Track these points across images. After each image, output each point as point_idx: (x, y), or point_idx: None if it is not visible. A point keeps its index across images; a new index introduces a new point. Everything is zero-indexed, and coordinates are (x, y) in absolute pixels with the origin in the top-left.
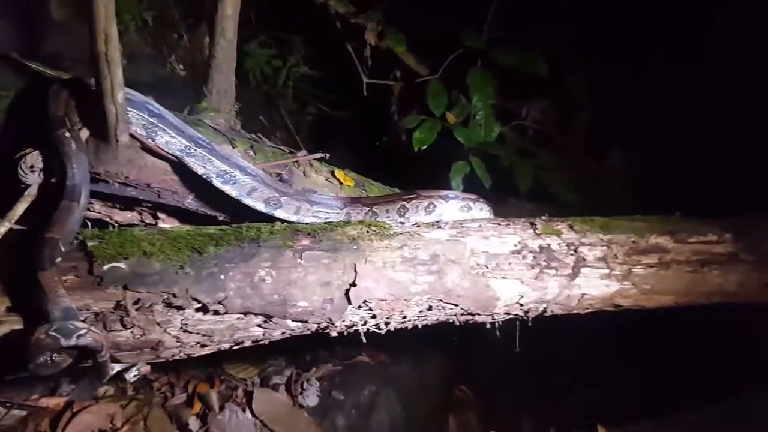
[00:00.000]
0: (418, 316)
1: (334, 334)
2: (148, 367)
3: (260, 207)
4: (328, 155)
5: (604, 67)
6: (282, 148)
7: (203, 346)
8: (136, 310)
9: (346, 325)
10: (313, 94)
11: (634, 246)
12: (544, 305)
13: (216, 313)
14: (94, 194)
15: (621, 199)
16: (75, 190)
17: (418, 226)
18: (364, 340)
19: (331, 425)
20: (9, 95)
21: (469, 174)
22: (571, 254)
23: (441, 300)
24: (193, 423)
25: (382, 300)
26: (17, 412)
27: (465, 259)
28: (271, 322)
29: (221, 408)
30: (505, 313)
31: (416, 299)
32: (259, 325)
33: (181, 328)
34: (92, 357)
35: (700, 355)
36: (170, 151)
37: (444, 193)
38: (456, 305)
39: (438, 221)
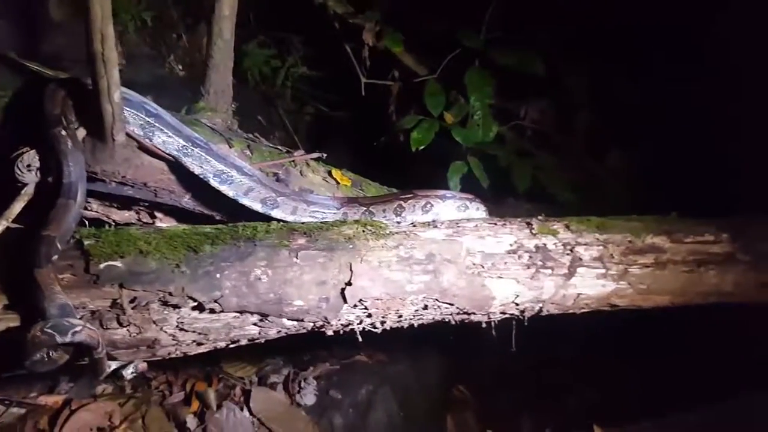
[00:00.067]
0: (414, 316)
1: (330, 332)
2: (145, 365)
3: (257, 207)
4: (325, 155)
5: (604, 67)
6: (279, 147)
7: (199, 344)
8: (133, 308)
9: (341, 324)
10: (312, 94)
11: (630, 246)
12: (540, 305)
13: (212, 311)
14: (91, 193)
15: (620, 199)
16: (71, 188)
17: (414, 226)
18: (360, 339)
19: (329, 424)
20: (6, 94)
21: (467, 174)
22: (567, 254)
23: (437, 299)
24: (191, 421)
25: (377, 299)
26: (16, 410)
27: (461, 259)
28: (266, 321)
29: (219, 406)
30: (501, 313)
31: (412, 298)
32: (255, 324)
33: (177, 326)
34: (88, 354)
35: (699, 354)
36: (167, 151)
37: (441, 192)
38: (452, 304)
39: (434, 221)
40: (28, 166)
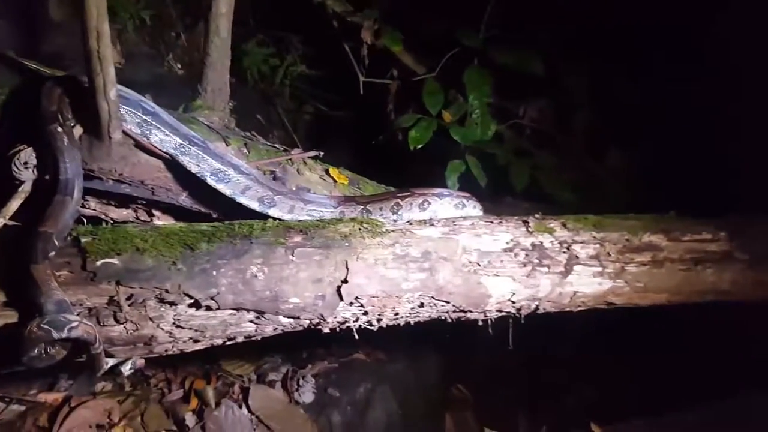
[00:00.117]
0: (410, 313)
1: (326, 330)
2: (143, 361)
3: (254, 206)
4: (322, 153)
5: (604, 66)
6: (276, 145)
7: (196, 341)
8: (129, 305)
9: (338, 322)
10: (311, 93)
11: (627, 244)
12: (536, 303)
13: (208, 308)
14: (89, 191)
15: (620, 199)
16: (68, 185)
17: (411, 224)
18: (357, 337)
19: (327, 422)
20: (3, 92)
21: (465, 173)
22: (564, 252)
23: (433, 297)
24: (190, 419)
25: (373, 297)
26: (16, 407)
27: (457, 257)
28: (263, 318)
29: (217, 404)
30: (497, 311)
31: (408, 296)
32: (251, 321)
33: (173, 323)
34: (85, 350)
35: (697, 353)
36: (164, 149)
37: (438, 190)
38: (448, 302)
39: (430, 219)
40: (25, 163)
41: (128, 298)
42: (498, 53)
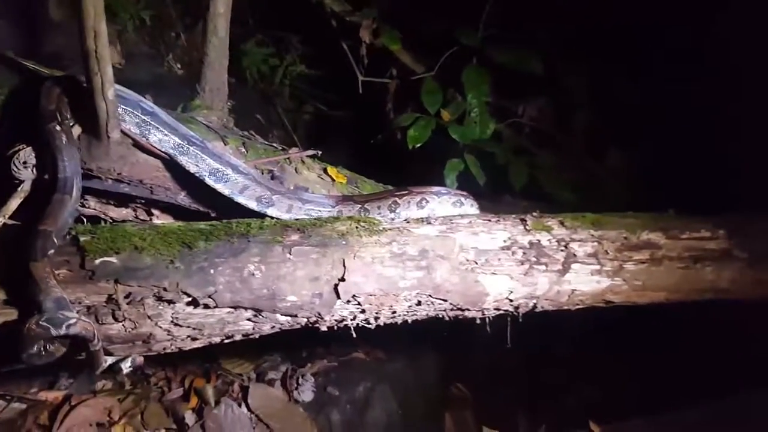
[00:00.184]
0: (408, 311)
1: (323, 328)
2: (142, 359)
3: (252, 205)
4: (320, 152)
5: (603, 66)
6: (274, 145)
7: (194, 339)
8: (128, 303)
9: (335, 320)
10: (310, 93)
11: (625, 242)
12: (534, 301)
13: (206, 306)
14: (88, 191)
15: (619, 198)
16: (67, 183)
17: (408, 222)
18: (354, 335)
19: (326, 421)
20: (3, 92)
21: (464, 171)
22: (562, 250)
23: (430, 295)
24: (190, 417)
25: (371, 295)
26: (17, 405)
27: (454, 255)
28: (260, 316)
29: (217, 402)
30: (495, 309)
31: (405, 294)
32: (249, 319)
33: (171, 321)
34: (84, 347)
35: (696, 352)
36: (163, 149)
37: (436, 189)
38: (445, 300)
39: (428, 217)
40: (24, 162)
41: (126, 297)
42: (497, 52)
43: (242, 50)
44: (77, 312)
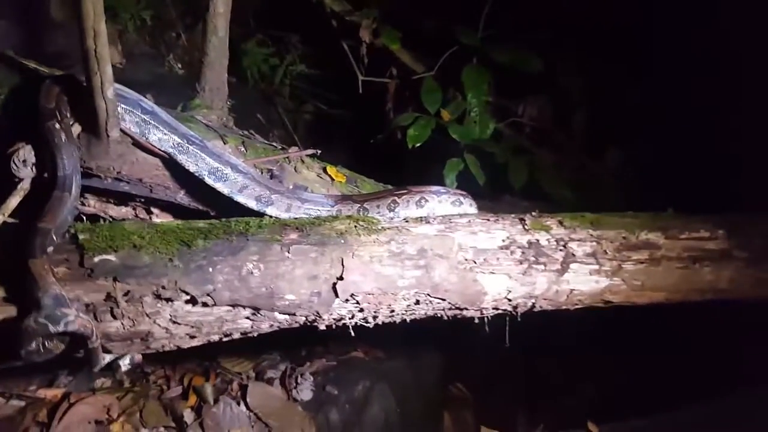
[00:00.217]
0: (406, 310)
1: (322, 327)
2: (140, 357)
3: (252, 204)
4: (319, 152)
5: (603, 66)
6: (273, 144)
7: (192, 337)
8: (126, 301)
9: (333, 319)
10: (310, 92)
11: (624, 242)
12: (533, 300)
13: (204, 305)
14: (88, 189)
15: (619, 198)
16: (66, 181)
17: (407, 221)
18: (353, 334)
19: (325, 420)
20: (3, 91)
21: (464, 171)
22: (561, 250)
23: (428, 294)
24: (188, 415)
25: (369, 294)
26: (16, 402)
27: (453, 254)
28: (259, 315)
29: (216, 401)
30: (494, 308)
31: (403, 293)
32: (247, 318)
33: (170, 319)
34: (83, 344)
35: (695, 352)
36: (162, 148)
37: (435, 188)
38: (443, 300)
39: (426, 216)
40: (24, 161)
41: (125, 295)
42: (496, 52)
43: (243, 50)
44: (75, 309)
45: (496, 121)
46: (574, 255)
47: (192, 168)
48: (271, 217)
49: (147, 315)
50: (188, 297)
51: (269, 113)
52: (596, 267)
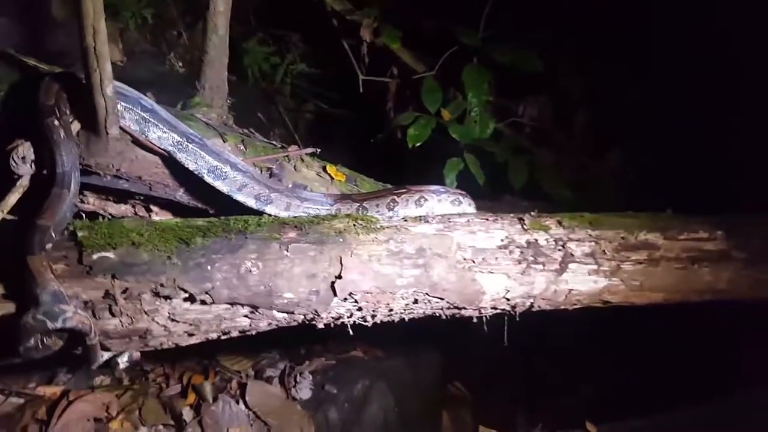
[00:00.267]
0: (405, 309)
1: (320, 325)
2: (138, 354)
3: (251, 203)
4: (318, 150)
5: (603, 66)
6: (273, 142)
7: (191, 335)
8: (125, 299)
9: (332, 317)
10: (311, 91)
11: (623, 242)
12: (531, 300)
13: (203, 303)
14: (87, 187)
15: (619, 198)
16: (65, 178)
17: (406, 220)
18: (351, 333)
19: (324, 418)
20: (3, 89)
21: (464, 171)
22: (559, 250)
23: (427, 293)
24: (187, 413)
25: (367, 292)
26: (15, 400)
27: (451, 253)
28: (257, 313)
29: (215, 399)
30: (492, 308)
31: (402, 292)
32: (245, 316)
33: (168, 317)
34: (81, 341)
35: (694, 352)
36: (162, 146)
37: (434, 187)
38: (442, 299)
39: (425, 215)
40: (23, 158)
41: (123, 292)
42: (497, 52)
43: (244, 48)
44: (74, 306)
45: (496, 121)
46: (572, 255)
47: (191, 166)
48: (270, 215)
49: (145, 312)
50: (187, 295)
51: (270, 112)
52: (595, 267)
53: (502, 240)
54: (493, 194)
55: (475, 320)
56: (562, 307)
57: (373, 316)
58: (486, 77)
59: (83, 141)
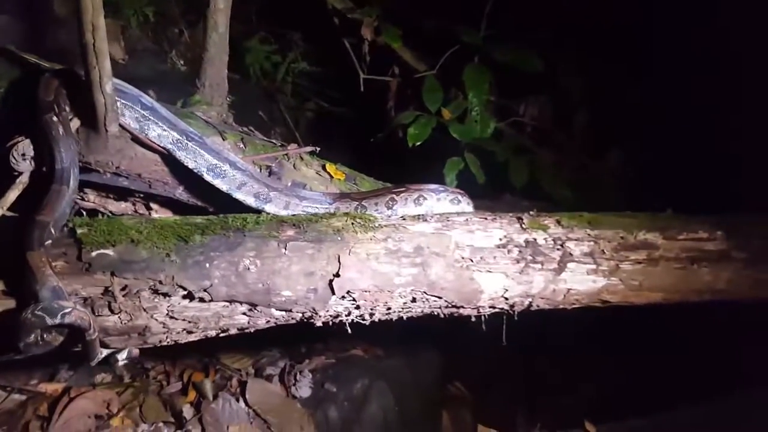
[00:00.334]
0: (403, 308)
1: (318, 323)
2: (137, 351)
3: (250, 201)
4: (318, 149)
5: (603, 66)
6: (273, 141)
7: (189, 332)
8: (124, 296)
9: (330, 315)
10: (312, 90)
11: (622, 242)
12: (530, 299)
13: (201, 300)
14: (88, 184)
15: (619, 198)
16: (64, 174)
17: (404, 219)
18: (350, 331)
19: (324, 417)
20: (2, 85)
21: (464, 170)
22: (558, 249)
23: (425, 292)
24: (187, 411)
25: (365, 291)
26: (17, 396)
27: (449, 252)
28: (255, 311)
29: (215, 397)
30: (490, 307)
31: (400, 291)
32: (244, 313)
33: (167, 314)
34: (80, 336)
35: (694, 352)
36: (161, 144)
37: (433, 186)
38: (440, 297)
39: (424, 214)
40: (23, 154)
41: (122, 289)
42: (498, 51)
43: (245, 47)
44: (73, 301)
45: (496, 121)
46: (571, 254)
47: (191, 164)
48: (268, 213)
49: (144, 310)
50: (185, 292)
51: (271, 110)
52: (594, 267)
53: (500, 239)
54: (493, 194)
55: (473, 319)
56: (561, 306)
57: (371, 315)
58: (487, 77)
59: (83, 138)
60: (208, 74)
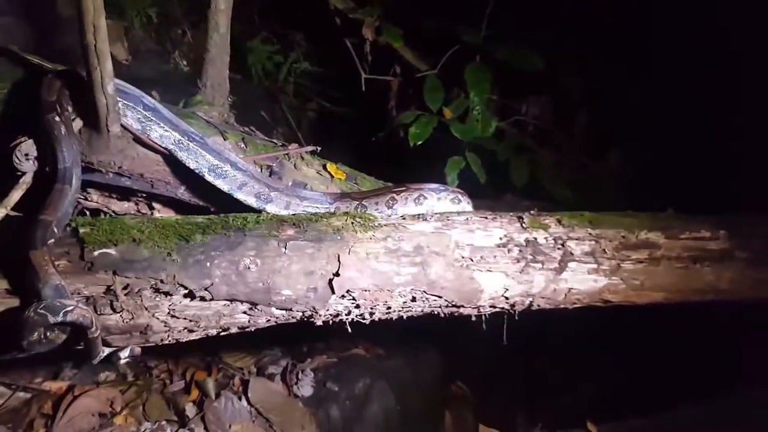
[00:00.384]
0: (402, 307)
1: (319, 322)
2: (139, 350)
3: (251, 201)
4: (318, 149)
5: (603, 66)
6: (274, 140)
7: (190, 331)
8: (125, 294)
9: (330, 314)
10: (314, 90)
11: (623, 241)
12: (530, 299)
13: (202, 299)
14: (91, 184)
15: (620, 198)
16: (66, 174)
17: (404, 218)
18: (350, 330)
19: (325, 416)
20: (6, 86)
21: (465, 170)
22: (558, 248)
23: (425, 291)
24: (190, 409)
25: (365, 290)
26: (21, 395)
27: (449, 252)
28: (256, 310)
29: (218, 395)
30: (491, 306)
31: (400, 290)
32: (244, 312)
33: (168, 313)
34: (83, 334)
35: (694, 352)
36: (163, 145)
37: (434, 186)
38: (440, 297)
39: (424, 214)
40: (26, 155)
41: (124, 288)
42: (499, 50)
43: (247, 47)
44: (75, 300)
45: (498, 120)
46: (572, 254)
47: (192, 165)
48: (269, 213)
49: (146, 308)
50: (186, 291)
51: (273, 110)
52: (595, 266)
53: (500, 238)
54: (494, 193)
55: (473, 319)
56: (562, 306)
57: (371, 314)
58: (488, 76)
59: (85, 138)
60: (209, 74)
